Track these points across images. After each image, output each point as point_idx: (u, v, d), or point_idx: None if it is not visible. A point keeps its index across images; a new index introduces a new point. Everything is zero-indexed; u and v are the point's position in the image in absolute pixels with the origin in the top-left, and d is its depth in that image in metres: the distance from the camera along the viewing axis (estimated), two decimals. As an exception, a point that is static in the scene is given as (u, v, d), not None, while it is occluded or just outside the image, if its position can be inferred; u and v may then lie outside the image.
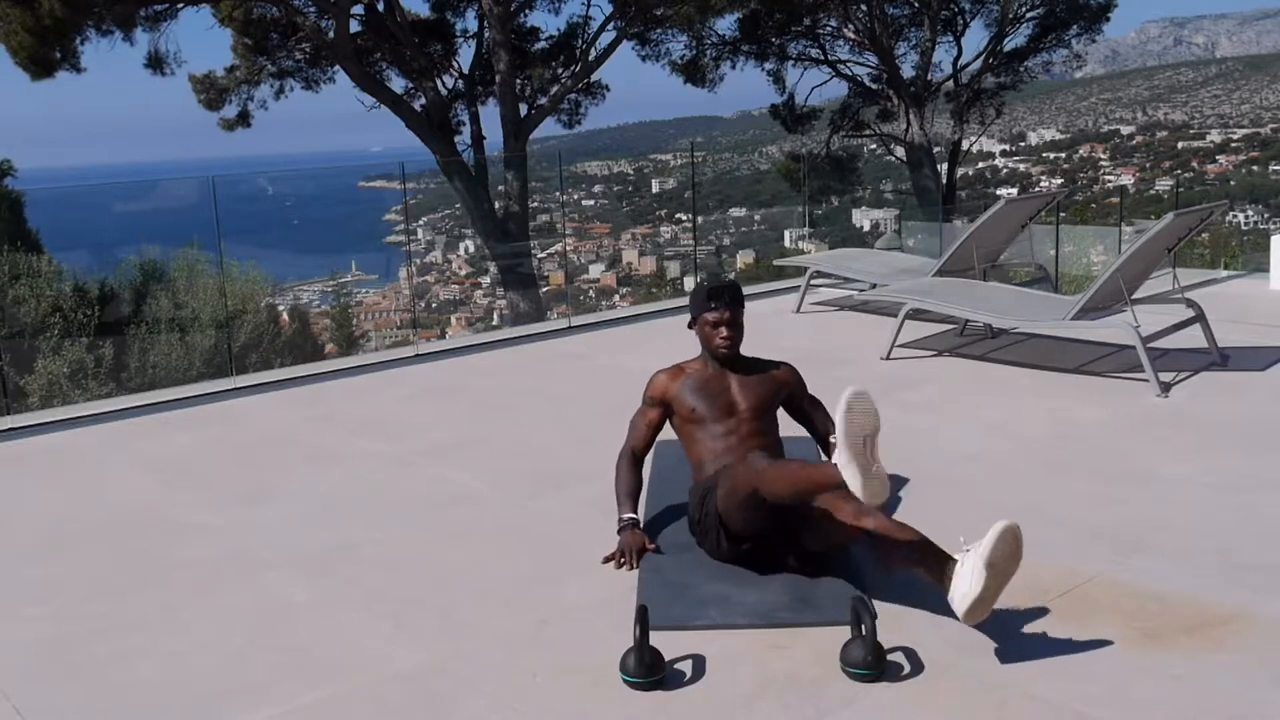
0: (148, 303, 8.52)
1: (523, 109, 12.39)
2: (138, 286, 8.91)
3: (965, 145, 15.53)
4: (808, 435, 2.65)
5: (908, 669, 1.94)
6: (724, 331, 2.44)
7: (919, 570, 2.05)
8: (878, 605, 2.13)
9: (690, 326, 2.54)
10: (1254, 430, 3.34)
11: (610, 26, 12.69)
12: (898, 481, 2.89)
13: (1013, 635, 2.06)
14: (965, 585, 1.81)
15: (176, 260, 8.89)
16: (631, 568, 2.35)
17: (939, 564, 1.97)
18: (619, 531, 2.43)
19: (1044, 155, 29.50)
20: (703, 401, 2.44)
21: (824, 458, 2.58)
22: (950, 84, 14.69)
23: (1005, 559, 1.79)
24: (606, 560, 2.41)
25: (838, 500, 2.12)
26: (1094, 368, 4.12)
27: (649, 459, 2.60)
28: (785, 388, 2.53)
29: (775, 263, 7.18)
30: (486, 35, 12.47)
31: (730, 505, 2.17)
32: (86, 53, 10.86)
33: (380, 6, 12.08)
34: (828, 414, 2.56)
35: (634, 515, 2.44)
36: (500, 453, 3.39)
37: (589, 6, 12.72)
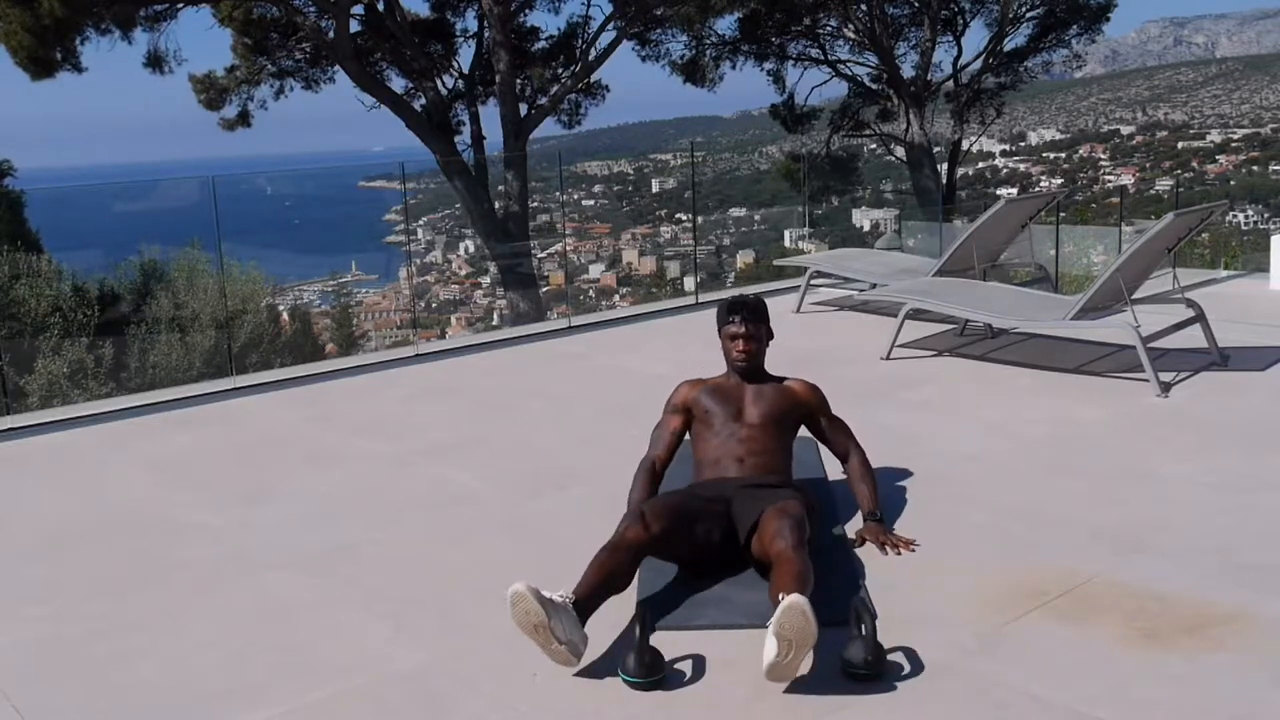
0: (148, 303, 8.51)
1: (523, 109, 12.39)
2: (138, 286, 8.90)
3: (965, 145, 15.53)
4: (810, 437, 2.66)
5: (908, 669, 1.94)
6: (740, 345, 2.52)
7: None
8: (878, 605, 2.13)
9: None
10: (1254, 430, 3.33)
11: (610, 26, 12.69)
12: (899, 481, 2.91)
13: (1013, 635, 2.06)
14: (765, 652, 1.86)
15: (176, 260, 8.88)
16: None
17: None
18: None
19: (1044, 155, 29.47)
20: (715, 404, 2.52)
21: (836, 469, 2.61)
22: (950, 84, 14.68)
23: (795, 631, 1.82)
24: None
25: (773, 536, 2.16)
26: (1094, 368, 4.12)
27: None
28: (803, 406, 2.58)
29: (775, 263, 7.18)
30: (486, 35, 12.47)
31: None
32: (86, 53, 10.87)
33: (380, 6, 12.07)
34: (849, 435, 2.63)
35: None
36: (500, 453, 3.39)
37: (589, 6, 12.73)
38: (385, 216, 13.45)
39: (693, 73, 13.89)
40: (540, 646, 1.93)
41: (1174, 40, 40.92)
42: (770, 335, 2.60)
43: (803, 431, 2.65)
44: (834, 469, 2.81)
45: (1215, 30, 40.70)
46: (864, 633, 1.92)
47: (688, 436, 2.58)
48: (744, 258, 13.54)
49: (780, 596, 1.87)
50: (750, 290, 6.38)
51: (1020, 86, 15.04)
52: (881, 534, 2.46)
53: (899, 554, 2.41)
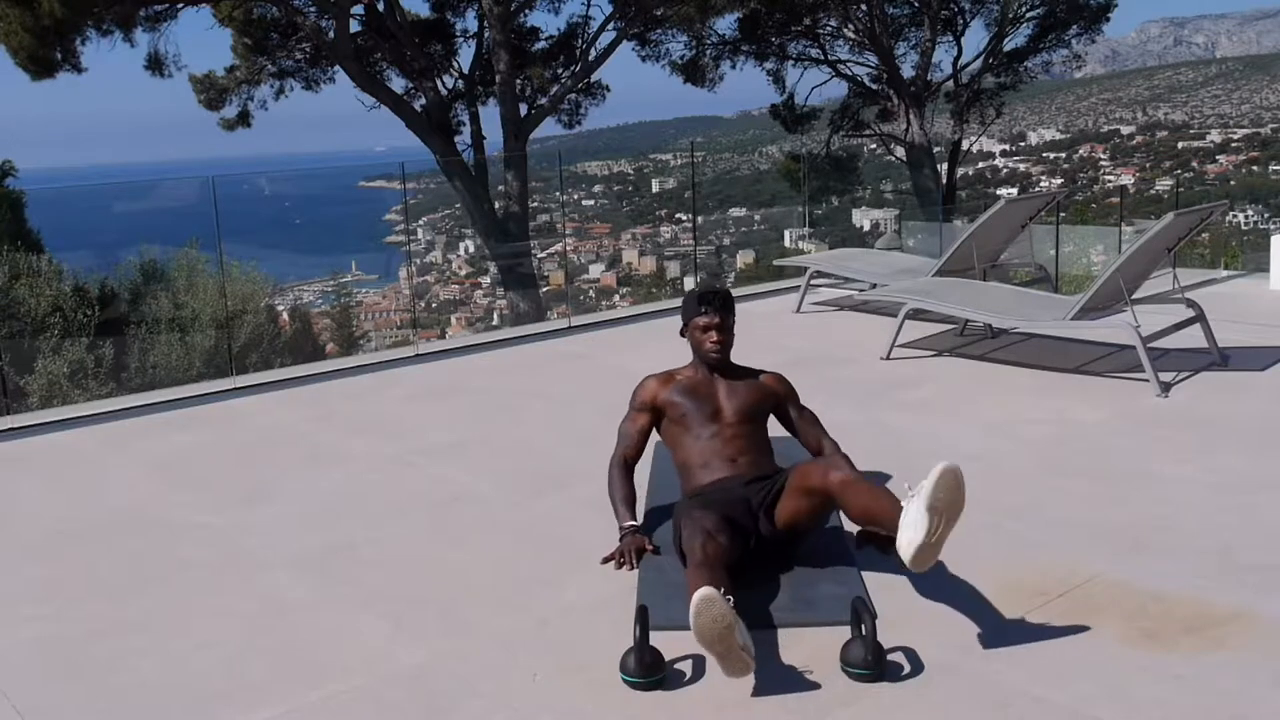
0: (148, 303, 8.47)
1: (523, 109, 12.39)
2: (138, 286, 8.88)
3: (965, 145, 15.52)
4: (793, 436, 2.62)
5: (908, 669, 1.94)
6: (714, 336, 2.48)
7: (878, 529, 2.05)
8: (878, 605, 2.12)
9: (682, 334, 2.57)
10: (1254, 430, 3.33)
11: (610, 26, 12.70)
12: (899, 481, 2.89)
13: (1013, 636, 2.06)
14: (910, 532, 1.80)
15: (176, 260, 8.84)
16: (631, 568, 2.36)
17: (891, 515, 1.96)
18: (620, 539, 2.45)
19: (1044, 155, 29.47)
20: (691, 403, 2.47)
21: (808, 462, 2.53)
22: (950, 84, 14.67)
23: (947, 503, 1.78)
24: (606, 560, 2.42)
25: (810, 469, 2.15)
26: (1094, 368, 4.11)
27: (648, 457, 2.61)
28: (774, 396, 2.54)
29: (775, 263, 7.16)
30: (486, 35, 12.47)
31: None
32: (86, 53, 10.86)
33: (380, 6, 12.07)
34: (819, 425, 2.58)
35: (635, 522, 2.45)
36: (500, 453, 3.38)
37: (589, 6, 12.74)
38: (385, 216, 13.44)
39: (693, 73, 13.89)
40: (718, 657, 1.78)
41: (1174, 40, 40.92)
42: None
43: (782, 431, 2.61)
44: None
45: (1215, 30, 40.71)
46: (864, 632, 1.92)
47: (655, 435, 2.54)
48: (744, 258, 13.54)
49: (908, 487, 1.81)
50: (750, 291, 6.36)
51: (1020, 86, 15.03)
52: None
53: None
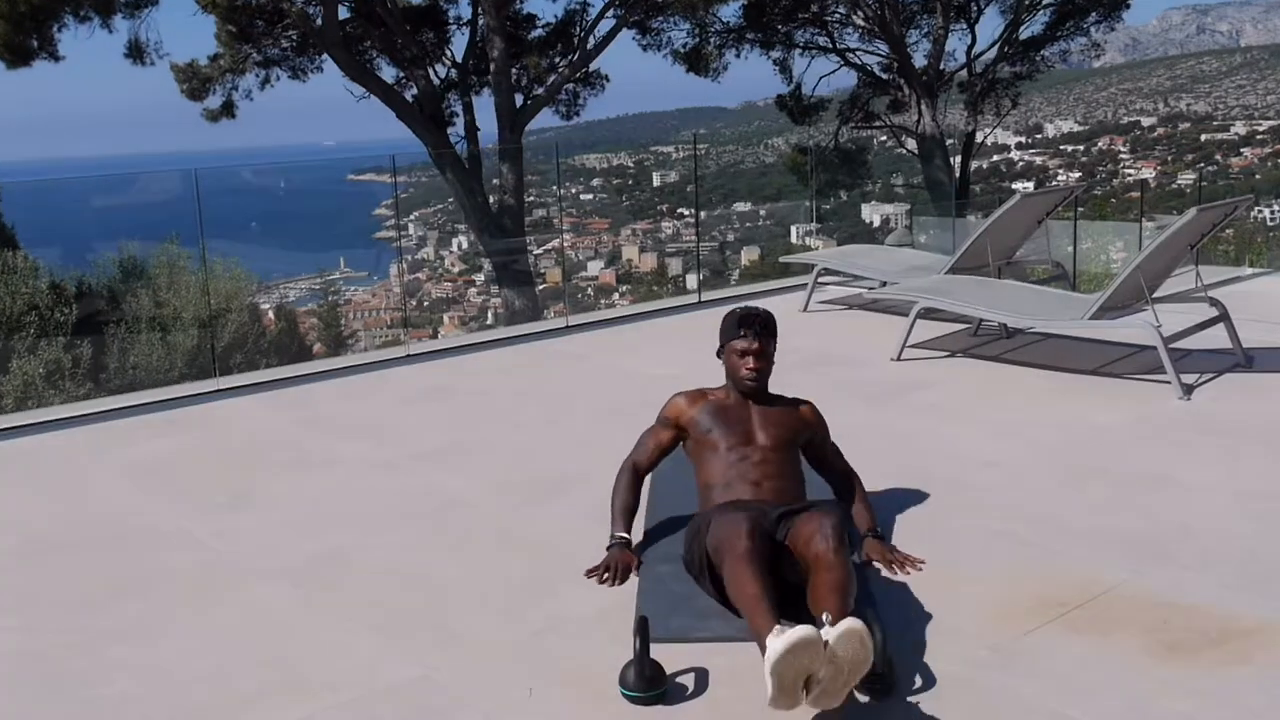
0: (127, 301, 8.21)
1: (518, 99, 12.17)
2: (117, 284, 8.61)
3: (979, 137, 15.29)
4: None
5: (919, 683, 1.87)
6: (751, 362, 2.37)
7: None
8: (888, 617, 2.05)
9: (718, 355, 2.47)
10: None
11: (610, 13, 12.49)
12: (910, 488, 2.82)
13: (1029, 648, 1.99)
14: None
15: (157, 256, 8.54)
16: (613, 584, 2.28)
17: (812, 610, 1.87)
18: (608, 549, 2.37)
19: (1061, 148, 29.09)
20: (720, 425, 2.36)
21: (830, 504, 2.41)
22: (964, 73, 14.42)
23: (849, 659, 1.69)
24: (589, 574, 2.34)
25: (811, 535, 2.05)
26: (1113, 369, 4.02)
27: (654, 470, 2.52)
28: (808, 429, 2.45)
29: (781, 260, 7.07)
30: (481, 22, 12.21)
31: (717, 563, 2.09)
32: (64, 40, 10.48)
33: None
34: (846, 463, 2.50)
35: (625, 535, 2.37)
36: (495, 457, 3.30)
37: (587, -8, 12.49)
38: (375, 211, 13.23)
39: (695, 61, 13.58)
40: (777, 691, 1.64)
41: (1197, 28, 40.30)
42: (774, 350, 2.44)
43: None
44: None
45: (1239, 18, 40.03)
46: (874, 645, 1.84)
47: (682, 450, 2.46)
48: (748, 254, 13.41)
49: (826, 617, 1.76)
50: (755, 289, 6.29)
51: (1037, 76, 14.74)
52: (886, 552, 2.35)
53: (907, 573, 2.31)
